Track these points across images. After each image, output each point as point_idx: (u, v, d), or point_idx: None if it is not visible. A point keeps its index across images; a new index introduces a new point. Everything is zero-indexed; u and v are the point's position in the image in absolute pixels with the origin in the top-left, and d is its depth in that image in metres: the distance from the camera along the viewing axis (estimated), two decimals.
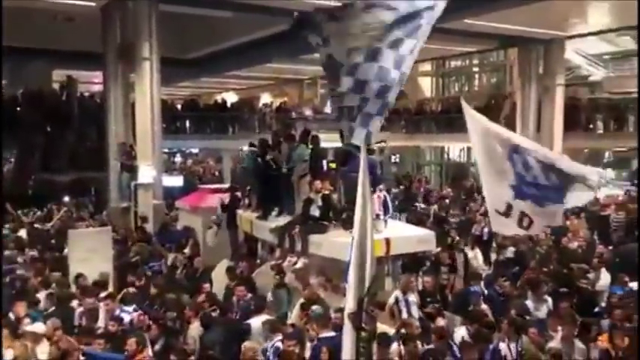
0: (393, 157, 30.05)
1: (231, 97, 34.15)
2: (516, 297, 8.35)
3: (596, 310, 8.40)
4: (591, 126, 22.46)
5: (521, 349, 6.29)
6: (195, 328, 6.97)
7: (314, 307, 7.11)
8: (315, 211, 8.13)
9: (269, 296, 8.08)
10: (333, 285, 7.88)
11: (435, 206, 18.06)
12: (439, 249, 10.83)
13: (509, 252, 11.19)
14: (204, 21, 18.41)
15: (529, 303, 8.03)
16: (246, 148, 11.73)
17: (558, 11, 15.78)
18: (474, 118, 7.28)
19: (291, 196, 9.12)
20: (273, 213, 9.42)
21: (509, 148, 6.62)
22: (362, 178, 4.63)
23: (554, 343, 6.49)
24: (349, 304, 4.47)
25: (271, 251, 10.18)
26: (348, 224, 8.13)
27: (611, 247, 11.71)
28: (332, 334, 6.37)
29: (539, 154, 6.46)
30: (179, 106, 26.70)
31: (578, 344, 6.66)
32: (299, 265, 8.31)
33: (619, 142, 25.02)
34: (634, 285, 8.86)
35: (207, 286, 8.42)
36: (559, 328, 6.82)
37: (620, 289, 8.88)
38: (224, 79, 30.72)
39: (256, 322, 7.02)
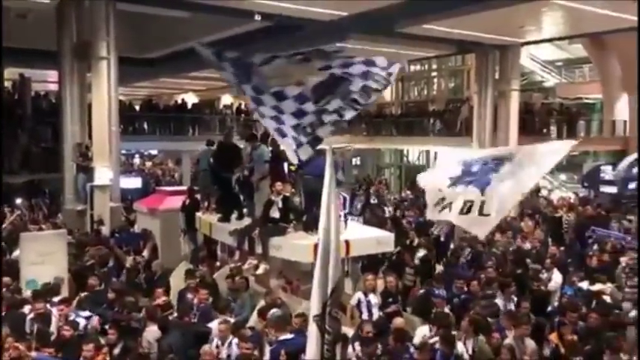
0: (354, 159, 30.27)
1: (191, 98, 33.80)
2: (482, 297, 8.54)
3: (549, 309, 8.67)
4: (545, 130, 23.13)
5: (475, 348, 6.43)
6: (150, 332, 6.88)
7: (272, 311, 7.13)
8: (275, 213, 8.12)
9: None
10: (293, 287, 7.90)
11: (392, 208, 18.34)
12: (398, 249, 11.05)
13: (467, 253, 11.43)
14: (163, 21, 18.17)
15: (499, 302, 8.22)
16: (202, 147, 11.63)
17: (514, 18, 16.21)
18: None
19: (251, 198, 9.09)
20: (234, 215, 9.37)
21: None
22: (328, 181, 4.65)
23: (509, 341, 6.67)
24: (314, 307, 4.49)
25: (231, 254, 10.14)
26: (308, 226, 8.21)
27: (562, 248, 12.11)
28: (290, 336, 6.39)
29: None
30: (137, 107, 26.29)
31: (531, 343, 6.86)
32: (260, 270, 8.30)
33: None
34: (583, 284, 9.20)
35: (161, 290, 8.30)
36: (511, 326, 7.02)
37: (571, 289, 9.21)
38: (184, 79, 30.36)
39: (216, 324, 6.99)
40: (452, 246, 12.66)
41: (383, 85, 5.65)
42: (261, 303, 7.81)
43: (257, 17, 15.22)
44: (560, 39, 22.34)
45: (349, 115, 5.38)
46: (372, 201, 18.17)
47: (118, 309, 7.57)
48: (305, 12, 15.11)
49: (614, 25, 17.02)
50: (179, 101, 28.30)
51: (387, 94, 33.19)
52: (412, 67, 32.00)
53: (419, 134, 25.65)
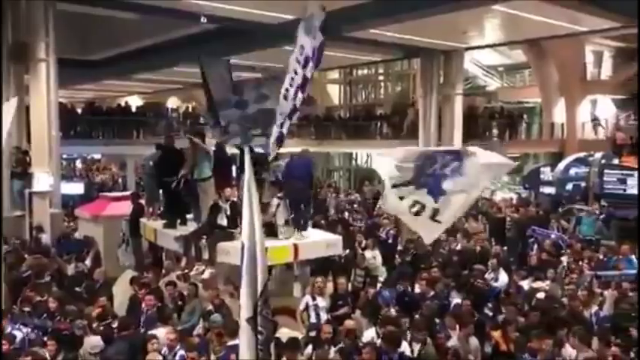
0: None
1: (136, 101, 33.05)
2: (432, 297, 8.69)
3: (491, 307, 8.88)
4: (487, 133, 23.83)
5: (422, 351, 6.52)
6: (89, 342, 6.66)
7: (213, 317, 7.05)
8: (222, 219, 8.03)
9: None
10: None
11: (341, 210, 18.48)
12: (348, 251, 11.15)
13: (414, 254, 11.60)
14: (108, 22, 17.70)
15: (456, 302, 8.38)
16: (149, 152, 11.35)
17: (457, 24, 16.64)
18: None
19: (196, 203, 8.94)
20: (179, 221, 9.19)
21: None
22: (247, 183, 4.65)
23: (453, 342, 6.81)
24: (245, 309, 4.51)
25: (177, 260, 9.95)
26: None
27: (505, 248, 12.49)
28: (237, 342, 6.32)
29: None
30: (79, 110, 25.49)
31: (474, 341, 7.03)
32: (205, 275, 8.17)
33: (512, 149, 26.77)
34: (524, 283, 9.50)
35: (103, 299, 8.06)
36: (456, 326, 7.17)
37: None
38: (129, 82, 29.64)
39: (162, 332, 6.84)
40: (399, 247, 12.80)
41: None
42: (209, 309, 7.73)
43: (203, 20, 15.02)
44: (501, 44, 23.06)
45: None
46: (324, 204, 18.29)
47: (59, 319, 7.28)
48: (253, 15, 15.02)
49: (551, 32, 17.72)
50: (123, 104, 27.61)
51: (335, 98, 33.48)
52: (360, 71, 32.41)
53: (366, 137, 25.95)
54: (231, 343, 6.39)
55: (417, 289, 9.16)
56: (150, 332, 6.98)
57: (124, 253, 11.28)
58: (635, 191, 15.65)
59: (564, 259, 10.65)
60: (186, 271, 8.76)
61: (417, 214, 6.79)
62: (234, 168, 9.28)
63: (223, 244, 7.96)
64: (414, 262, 11.16)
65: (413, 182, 6.79)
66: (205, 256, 8.07)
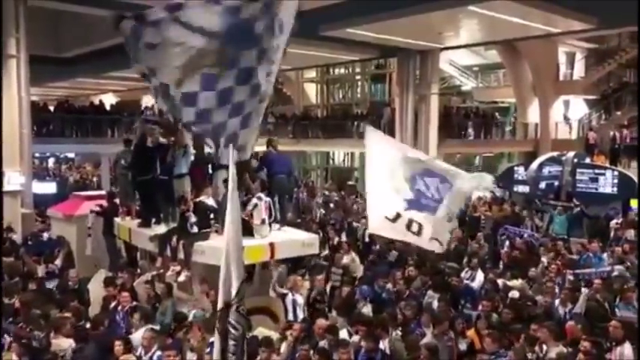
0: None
1: (110, 99, 32.61)
2: (408, 296, 8.75)
3: (466, 305, 8.97)
4: (463, 133, 24.08)
5: (392, 347, 6.55)
6: (60, 344, 6.53)
7: (194, 312, 7.00)
8: (192, 219, 7.98)
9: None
10: (216, 292, 7.75)
11: (320, 210, 18.50)
12: (327, 251, 11.20)
13: (392, 253, 11.65)
14: (81, 19, 17.42)
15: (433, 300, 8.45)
16: (119, 149, 11.22)
17: (433, 25, 16.77)
18: (380, 141, 8.00)
19: (171, 202, 8.85)
20: (154, 220, 9.08)
21: (415, 172, 7.39)
22: (231, 184, 4.64)
23: (428, 339, 6.85)
24: (219, 306, 4.52)
25: (152, 260, 9.83)
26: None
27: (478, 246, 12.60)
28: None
29: (440, 174, 7.36)
30: (52, 108, 25.05)
31: (449, 338, 7.08)
32: (182, 277, 8.09)
33: (487, 148, 27.16)
34: (499, 280, 9.60)
35: (75, 302, 7.90)
36: (430, 324, 7.22)
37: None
38: (102, 79, 29.21)
39: (137, 334, 6.76)
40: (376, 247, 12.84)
41: None
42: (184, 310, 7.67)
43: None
44: (476, 45, 23.32)
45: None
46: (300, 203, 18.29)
47: (20, 325, 7.05)
48: None
49: (525, 33, 17.97)
50: (97, 102, 27.21)
51: (313, 97, 33.50)
52: (337, 70, 32.48)
53: (344, 137, 26.02)
54: (210, 340, 6.36)
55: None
56: (122, 333, 6.89)
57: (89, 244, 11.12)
58: (606, 190, 15.97)
59: (544, 258, 10.78)
60: (161, 271, 8.65)
61: (417, 233, 7.14)
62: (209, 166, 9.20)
63: (199, 243, 7.90)
64: (393, 261, 11.22)
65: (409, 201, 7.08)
66: (180, 255, 7.99)
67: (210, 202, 8.17)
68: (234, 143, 5.44)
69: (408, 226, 7.27)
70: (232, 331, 4.42)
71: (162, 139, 9.12)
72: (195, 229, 7.95)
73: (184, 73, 5.69)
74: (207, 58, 5.70)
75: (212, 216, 8.05)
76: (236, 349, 4.42)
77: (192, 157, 8.99)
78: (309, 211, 18.42)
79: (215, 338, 4.54)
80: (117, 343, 6.19)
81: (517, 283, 9.28)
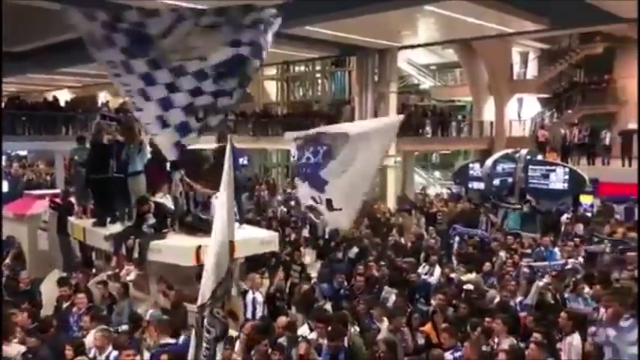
0: (240, 159, 30.04)
1: (65, 95, 31.73)
2: (364, 292, 8.84)
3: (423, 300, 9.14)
4: (421, 131, 24.45)
5: (350, 343, 6.62)
6: (13, 348, 6.36)
7: (151, 312, 6.92)
8: (150, 219, 7.88)
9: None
10: (174, 292, 7.68)
11: (282, 207, 18.50)
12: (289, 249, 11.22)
13: (352, 250, 11.75)
14: (32, 12, 16.85)
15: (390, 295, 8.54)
16: (73, 146, 10.95)
17: (391, 23, 16.96)
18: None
19: (128, 201, 8.70)
20: (109, 219, 8.91)
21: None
22: (227, 180, 4.51)
23: (384, 334, 6.96)
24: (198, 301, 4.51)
25: (108, 260, 9.65)
26: (190, 229, 8.06)
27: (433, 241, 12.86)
28: (172, 340, 6.24)
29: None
30: (2, 104, 24.18)
31: (405, 333, 7.21)
32: (131, 276, 7.98)
33: (444, 145, 27.68)
34: (453, 274, 9.83)
35: (26, 305, 7.70)
36: (384, 318, 7.33)
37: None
38: (56, 75, 28.39)
39: (90, 335, 6.64)
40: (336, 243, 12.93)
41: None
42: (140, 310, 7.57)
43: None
44: (433, 44, 23.68)
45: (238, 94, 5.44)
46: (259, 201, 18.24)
47: None
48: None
49: (480, 33, 18.37)
50: (50, 98, 26.42)
51: (273, 95, 33.38)
52: (297, 68, 32.44)
53: None
54: (164, 341, 6.30)
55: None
56: (75, 335, 6.76)
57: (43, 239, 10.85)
58: (557, 186, 16.50)
59: (502, 253, 11.06)
60: (117, 270, 8.51)
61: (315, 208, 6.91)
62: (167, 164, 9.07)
63: (155, 242, 7.81)
64: (354, 258, 11.32)
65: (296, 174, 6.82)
66: (136, 255, 7.87)
67: (167, 201, 8.08)
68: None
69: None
70: (205, 333, 4.39)
71: (118, 137, 8.96)
72: (151, 229, 7.85)
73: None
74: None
75: (168, 215, 7.97)
76: (208, 351, 4.39)
77: (149, 155, 8.86)
78: (270, 208, 18.40)
79: (192, 338, 4.49)
80: (67, 347, 6.05)
81: (472, 277, 9.51)
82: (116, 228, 8.55)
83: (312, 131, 7.72)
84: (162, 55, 5.74)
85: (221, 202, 4.55)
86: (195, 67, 5.82)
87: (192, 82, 5.85)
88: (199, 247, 7.32)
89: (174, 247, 7.78)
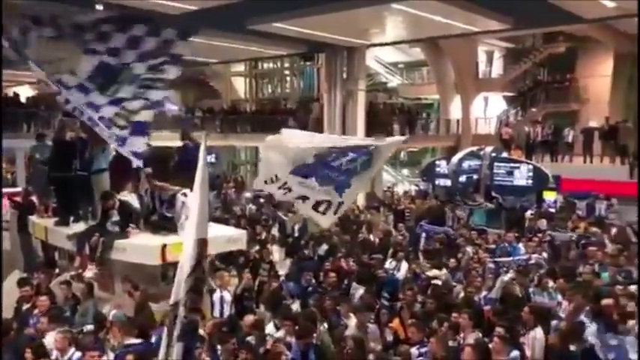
0: (209, 156, 29.74)
1: (25, 92, 30.88)
2: (334, 288, 8.86)
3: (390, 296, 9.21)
4: (389, 128, 24.59)
5: (318, 340, 6.63)
6: None
7: (114, 312, 6.80)
8: (114, 217, 7.73)
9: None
10: (140, 291, 7.56)
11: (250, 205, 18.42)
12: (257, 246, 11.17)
13: (321, 247, 11.77)
14: None
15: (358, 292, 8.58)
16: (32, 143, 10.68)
17: (359, 21, 17.01)
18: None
19: (91, 199, 8.52)
20: (72, 218, 8.70)
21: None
22: (201, 176, 4.42)
23: (351, 330, 6.98)
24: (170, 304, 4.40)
25: (71, 260, 9.44)
26: (155, 227, 7.94)
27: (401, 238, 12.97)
28: (137, 341, 6.15)
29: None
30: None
31: (373, 329, 7.26)
32: (89, 274, 7.82)
33: (412, 143, 27.92)
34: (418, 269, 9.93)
35: None
36: (351, 315, 7.36)
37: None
38: (17, 71, 27.57)
39: (50, 337, 6.48)
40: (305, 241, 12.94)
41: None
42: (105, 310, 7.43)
43: (99, 7, 14.26)
44: (401, 42, 23.86)
45: (157, 95, 5.31)
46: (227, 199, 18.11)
47: None
48: (152, 4, 14.49)
49: (447, 31, 18.58)
50: (11, 94, 25.71)
51: (241, 91, 33.16)
52: (265, 65, 32.29)
53: (272, 132, 25.76)
54: (128, 342, 6.20)
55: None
56: (35, 337, 6.59)
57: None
58: (521, 183, 16.81)
59: (469, 249, 11.21)
60: (80, 270, 8.33)
61: (323, 213, 7.04)
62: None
63: (120, 241, 7.67)
64: (323, 255, 11.34)
65: (312, 174, 6.87)
66: (99, 254, 7.72)
67: (131, 199, 7.94)
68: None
69: (316, 207, 7.21)
70: (176, 331, 4.31)
71: (82, 134, 8.76)
72: (116, 228, 7.71)
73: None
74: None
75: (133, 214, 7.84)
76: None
77: (113, 152, 8.69)
78: (238, 206, 18.29)
79: (164, 335, 4.40)
80: (27, 350, 5.89)
81: (438, 272, 9.62)
82: (79, 227, 8.36)
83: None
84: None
85: (195, 200, 4.47)
86: (74, 82, 5.67)
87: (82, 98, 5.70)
88: (165, 245, 7.23)
89: (139, 246, 7.65)
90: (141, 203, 8.07)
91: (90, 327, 6.85)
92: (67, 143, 8.62)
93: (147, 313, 7.10)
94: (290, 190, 7.14)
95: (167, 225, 7.74)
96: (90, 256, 7.89)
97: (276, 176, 7.20)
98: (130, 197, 8.17)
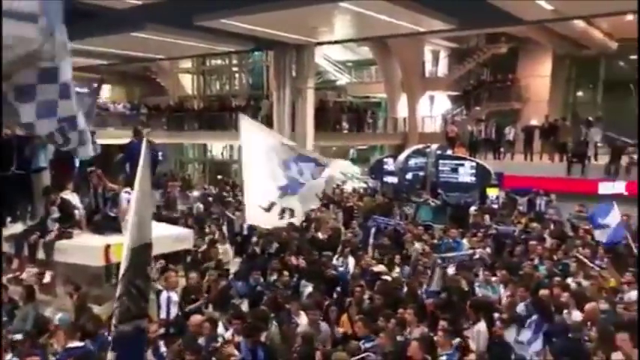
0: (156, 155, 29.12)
1: None
2: (283, 286, 8.85)
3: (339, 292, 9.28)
4: (338, 126, 24.78)
5: (269, 337, 6.63)
6: None
7: (60, 316, 6.59)
8: (55, 214, 7.48)
9: None
10: (81, 293, 7.34)
11: (199, 204, 18.18)
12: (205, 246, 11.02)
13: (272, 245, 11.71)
14: None
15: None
16: None
17: (308, 19, 17.00)
18: (255, 130, 8.01)
19: (30, 199, 8.20)
20: (9, 218, 8.36)
21: (289, 157, 7.46)
22: (141, 174, 4.28)
23: (302, 328, 7.01)
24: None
25: (9, 262, 9.05)
26: (98, 227, 7.73)
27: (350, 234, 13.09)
28: (79, 344, 5.97)
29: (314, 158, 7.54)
30: None
31: (325, 327, 7.30)
32: (46, 279, 7.56)
33: (361, 141, 28.23)
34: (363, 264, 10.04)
35: None
36: (301, 312, 7.39)
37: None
38: None
39: None
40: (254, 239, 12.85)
41: None
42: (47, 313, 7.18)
43: None
44: (349, 41, 24.02)
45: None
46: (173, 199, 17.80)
47: None
48: None
49: (393, 31, 18.81)
50: None
51: (189, 88, 32.62)
52: (213, 62, 31.87)
53: (221, 129, 25.65)
54: (70, 345, 6.01)
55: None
56: None
57: None
58: (465, 179, 17.25)
59: (418, 245, 11.40)
60: (17, 273, 8.00)
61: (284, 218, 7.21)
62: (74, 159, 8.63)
63: (61, 242, 7.43)
64: (270, 252, 11.29)
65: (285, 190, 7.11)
66: (39, 256, 7.45)
67: (73, 198, 7.70)
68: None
69: (281, 214, 7.39)
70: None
71: (18, 131, 8.41)
72: (56, 226, 7.45)
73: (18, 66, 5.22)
74: (43, 49, 5.28)
75: (76, 213, 7.60)
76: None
77: (53, 150, 8.39)
78: (186, 205, 18.02)
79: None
80: None
81: (384, 268, 9.76)
82: (17, 228, 8.04)
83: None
84: None
85: (136, 200, 4.33)
86: None
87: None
88: (108, 246, 7.06)
89: (81, 247, 7.44)
90: (83, 202, 7.85)
91: (19, 336, 6.55)
92: (5, 140, 8.26)
93: (89, 315, 6.90)
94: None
95: (111, 224, 7.55)
96: (29, 258, 7.60)
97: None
98: (71, 196, 7.90)
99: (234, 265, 11.02)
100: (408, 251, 11.05)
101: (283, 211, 7.57)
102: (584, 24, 21.42)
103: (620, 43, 24.89)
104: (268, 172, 7.83)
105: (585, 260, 9.48)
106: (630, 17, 18.81)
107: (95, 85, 17.21)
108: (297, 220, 8.01)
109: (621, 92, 25.73)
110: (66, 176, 8.42)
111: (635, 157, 18.10)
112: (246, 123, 8.55)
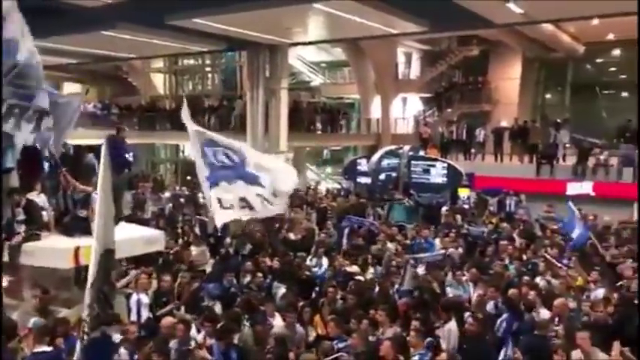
0: (127, 155, 28.72)
1: None
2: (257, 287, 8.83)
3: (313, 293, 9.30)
4: (312, 127, 24.80)
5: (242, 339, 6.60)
6: None
7: (34, 320, 6.46)
8: (20, 216, 7.32)
9: None
10: (40, 297, 7.18)
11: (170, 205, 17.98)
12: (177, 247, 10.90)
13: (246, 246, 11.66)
14: None
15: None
16: None
17: (281, 20, 16.95)
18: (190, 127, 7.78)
19: None
20: None
21: (201, 143, 7.22)
22: (102, 177, 4.21)
23: (277, 329, 6.99)
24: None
25: None
26: (68, 229, 7.59)
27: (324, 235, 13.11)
28: (47, 348, 5.86)
29: (224, 142, 7.26)
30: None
31: (300, 329, 7.30)
32: (4, 283, 7.37)
33: (334, 142, 28.32)
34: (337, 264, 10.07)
35: None
36: (276, 314, 7.38)
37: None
38: None
39: None
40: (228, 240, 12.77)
41: None
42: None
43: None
44: (322, 42, 24.06)
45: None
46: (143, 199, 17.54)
47: None
48: None
49: (366, 32, 18.90)
50: None
51: (160, 88, 32.29)
52: (185, 61, 31.60)
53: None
54: (38, 349, 5.88)
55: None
56: None
57: None
58: (437, 180, 17.44)
59: (391, 245, 11.45)
60: None
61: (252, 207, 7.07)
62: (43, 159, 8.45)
63: (28, 244, 7.27)
64: (244, 254, 11.24)
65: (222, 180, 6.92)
66: (5, 258, 7.27)
67: (40, 199, 7.54)
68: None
69: (242, 207, 7.23)
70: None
71: None
72: (22, 228, 7.29)
73: None
74: None
75: (44, 214, 7.44)
76: None
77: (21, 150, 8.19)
78: (157, 206, 17.78)
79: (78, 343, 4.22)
80: None
81: (357, 269, 9.80)
82: None
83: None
84: None
85: (99, 202, 4.27)
86: None
87: None
88: (78, 248, 6.92)
89: (50, 249, 7.29)
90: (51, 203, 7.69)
91: None
92: None
93: (53, 319, 6.76)
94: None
95: (80, 226, 7.41)
96: None
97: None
98: (38, 197, 7.73)
99: (210, 266, 10.93)
100: (381, 251, 11.08)
101: (219, 201, 7.29)
102: (552, 27, 21.88)
103: (587, 47, 25.51)
104: (198, 166, 7.58)
105: (553, 260, 9.66)
106: (596, 22, 19.28)
107: (79, 94, 16.86)
108: (263, 210, 7.39)
109: (588, 94, 26.40)
110: (34, 177, 8.21)
111: (602, 157, 18.57)
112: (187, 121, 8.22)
